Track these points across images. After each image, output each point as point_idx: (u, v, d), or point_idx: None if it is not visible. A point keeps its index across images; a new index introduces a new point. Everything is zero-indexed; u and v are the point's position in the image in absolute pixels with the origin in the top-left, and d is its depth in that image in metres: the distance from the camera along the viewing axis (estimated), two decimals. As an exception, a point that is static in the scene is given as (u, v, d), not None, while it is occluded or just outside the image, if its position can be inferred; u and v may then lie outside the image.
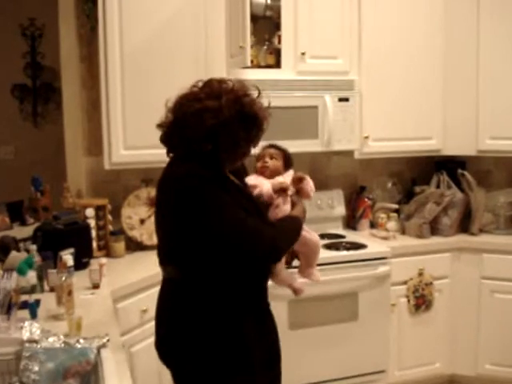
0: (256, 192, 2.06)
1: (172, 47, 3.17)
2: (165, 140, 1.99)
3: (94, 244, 3.16)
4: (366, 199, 3.84)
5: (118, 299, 2.67)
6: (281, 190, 2.09)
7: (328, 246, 3.37)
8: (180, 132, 1.91)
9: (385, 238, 3.54)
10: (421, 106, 3.66)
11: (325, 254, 3.25)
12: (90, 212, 3.15)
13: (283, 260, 2.12)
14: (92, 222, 3.16)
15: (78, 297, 2.54)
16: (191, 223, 1.83)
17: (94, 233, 3.16)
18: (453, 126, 3.70)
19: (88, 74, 3.32)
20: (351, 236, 3.63)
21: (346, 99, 3.45)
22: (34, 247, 2.76)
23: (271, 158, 2.17)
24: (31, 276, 2.33)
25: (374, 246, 3.40)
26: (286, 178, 2.16)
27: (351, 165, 3.90)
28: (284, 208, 2.09)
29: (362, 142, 3.55)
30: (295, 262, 2.26)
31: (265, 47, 3.43)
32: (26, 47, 4.80)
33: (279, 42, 3.38)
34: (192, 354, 1.94)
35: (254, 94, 2.00)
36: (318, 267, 3.09)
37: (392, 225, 3.72)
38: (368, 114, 3.55)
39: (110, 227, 3.26)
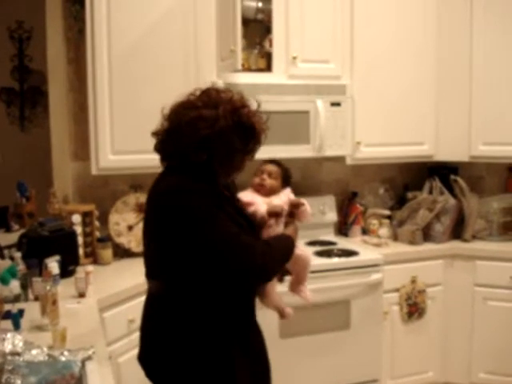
0: (250, 210, 2.00)
1: (161, 50, 3.11)
2: (159, 148, 1.92)
3: (81, 251, 3.09)
4: (358, 205, 3.79)
5: (105, 308, 2.61)
6: (277, 214, 2.03)
7: (319, 253, 3.31)
8: (174, 140, 1.84)
9: (377, 245, 3.49)
10: (413, 112, 3.63)
11: (316, 261, 3.19)
12: (76, 218, 3.08)
13: (274, 280, 2.06)
14: (79, 229, 3.08)
15: (64, 306, 2.47)
16: (181, 238, 1.76)
17: (80, 239, 3.09)
18: (445, 132, 3.66)
19: (75, 76, 3.26)
20: (343, 243, 3.58)
21: (338, 104, 3.40)
22: (18, 254, 2.69)
23: (270, 175, 2.11)
24: (14, 285, 2.25)
25: (366, 252, 3.35)
26: (283, 197, 2.10)
27: (343, 170, 3.85)
28: (277, 229, 2.04)
29: (353, 148, 3.50)
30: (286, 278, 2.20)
31: (256, 51, 3.38)
32: (13, 50, 4.73)
33: (270, 46, 3.33)
34: (177, 372, 1.87)
35: (253, 106, 1.93)
36: (310, 274, 3.11)
37: (384, 231, 3.68)
38: (360, 119, 3.50)
39: (98, 234, 3.20)
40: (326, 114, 3.35)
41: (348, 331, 3.21)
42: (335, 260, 3.25)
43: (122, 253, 3.25)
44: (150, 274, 1.93)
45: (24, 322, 2.23)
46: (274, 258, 1.87)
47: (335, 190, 3.86)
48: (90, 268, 2.81)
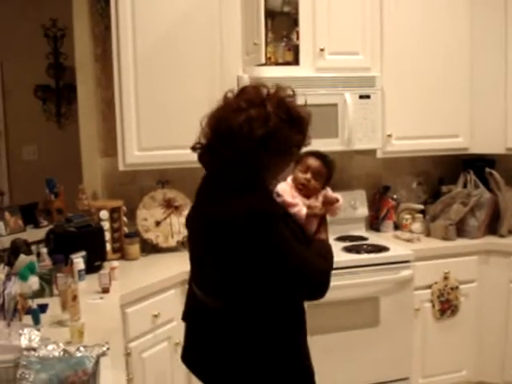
0: (292, 211, 1.95)
1: (186, 45, 3.10)
2: (206, 160, 1.88)
3: (109, 246, 3.12)
4: (390, 200, 3.70)
5: (128, 304, 2.62)
6: (315, 216, 2.00)
7: (348, 249, 3.25)
8: (228, 147, 1.78)
9: (408, 241, 3.40)
10: (446, 103, 3.51)
11: (345, 258, 3.15)
12: (104, 214, 3.11)
13: None
14: (106, 225, 3.11)
15: (87, 301, 2.51)
16: (258, 262, 1.75)
17: (108, 235, 3.12)
18: (481, 124, 3.53)
19: (103, 73, 3.28)
20: (374, 238, 3.50)
21: (368, 96, 3.32)
22: (44, 250, 2.73)
23: (315, 176, 2.02)
24: (33, 281, 2.28)
25: (397, 248, 3.27)
26: (320, 198, 2.04)
27: (374, 164, 3.77)
28: (311, 229, 2.00)
29: (384, 141, 3.42)
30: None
31: (283, 44, 3.33)
32: (48, 48, 4.80)
33: (298, 39, 3.28)
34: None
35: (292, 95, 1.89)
36: (337, 271, 3.06)
37: (417, 226, 3.59)
38: (391, 112, 3.41)
39: (125, 229, 3.22)
40: (354, 106, 3.28)
41: (377, 328, 3.14)
42: (364, 256, 3.18)
43: (149, 248, 3.27)
44: (207, 290, 1.90)
45: (46, 317, 2.27)
46: (330, 270, 1.90)
47: (366, 184, 3.78)
48: (116, 264, 2.83)
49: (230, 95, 1.86)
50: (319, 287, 1.81)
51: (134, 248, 3.16)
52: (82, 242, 2.86)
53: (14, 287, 2.24)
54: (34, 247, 2.86)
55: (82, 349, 1.92)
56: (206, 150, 1.86)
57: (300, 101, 1.88)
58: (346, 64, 3.31)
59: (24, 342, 1.92)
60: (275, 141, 1.75)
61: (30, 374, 1.75)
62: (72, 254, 2.76)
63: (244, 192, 1.76)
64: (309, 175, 2.01)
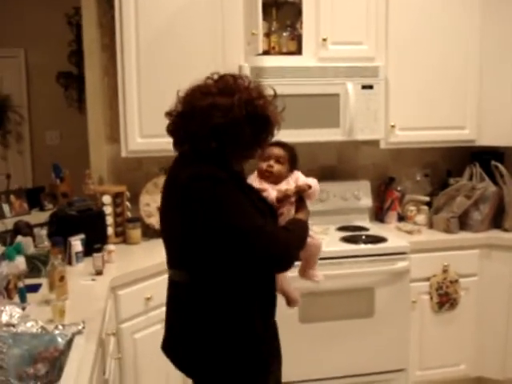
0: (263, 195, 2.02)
1: (189, 34, 3.14)
2: (171, 131, 1.91)
3: (111, 230, 3.21)
4: (395, 191, 3.68)
5: (121, 286, 2.70)
6: (286, 199, 2.03)
7: (346, 239, 3.26)
8: (186, 125, 1.83)
9: (409, 232, 3.39)
10: (453, 93, 3.47)
11: (342, 247, 3.17)
12: (106, 199, 3.20)
13: None
14: (109, 209, 3.20)
15: (79, 282, 2.61)
16: (210, 227, 1.75)
17: (110, 219, 3.21)
18: (488, 115, 3.47)
19: (110, 62, 3.35)
20: (375, 229, 3.50)
21: (370, 86, 3.31)
22: (44, 232, 2.84)
23: (276, 160, 2.08)
24: (20, 261, 2.38)
25: (395, 240, 3.26)
26: (291, 182, 2.08)
27: (380, 155, 3.75)
28: (289, 214, 2.05)
29: (387, 132, 3.40)
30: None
31: (287, 33, 3.35)
32: (71, 36, 4.92)
33: (302, 28, 3.29)
34: (207, 358, 1.89)
35: (270, 95, 1.89)
36: (333, 260, 3.09)
37: (421, 218, 3.57)
38: (395, 102, 3.39)
39: (128, 214, 3.31)
40: (356, 96, 3.27)
41: (372, 319, 3.15)
42: (361, 246, 3.18)
43: (151, 233, 3.34)
44: (173, 263, 1.95)
45: (36, 296, 2.37)
46: (295, 244, 1.91)
47: (372, 175, 3.77)
48: (112, 247, 2.92)
49: (215, 77, 1.88)
50: (275, 257, 1.77)
51: (136, 232, 3.24)
52: (82, 226, 2.95)
53: (8, 267, 2.36)
54: (37, 229, 2.98)
55: (60, 327, 2.01)
56: (173, 121, 1.90)
57: (279, 106, 1.89)
58: (349, 54, 3.30)
59: (4, 318, 2.03)
60: (230, 134, 1.77)
61: (3, 348, 1.84)
62: (71, 237, 2.87)
63: (197, 162, 1.80)
64: (271, 161, 2.07)
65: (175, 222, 1.87)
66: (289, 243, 1.83)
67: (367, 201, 3.66)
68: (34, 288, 2.45)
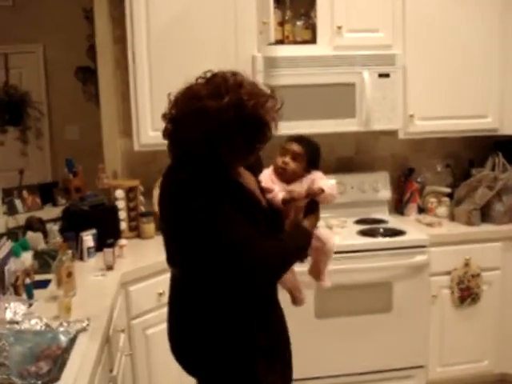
0: (268, 197, 1.91)
1: (200, 25, 3.08)
2: (165, 135, 1.84)
3: (125, 225, 3.18)
4: (415, 182, 3.58)
5: (132, 281, 2.67)
6: (293, 202, 1.90)
7: (364, 232, 3.18)
8: (177, 131, 1.77)
9: (429, 225, 3.29)
10: (474, 81, 3.35)
11: (358, 241, 3.10)
12: (119, 193, 3.17)
13: None
14: (122, 204, 3.18)
15: (89, 278, 2.58)
16: (190, 237, 1.71)
17: (124, 214, 3.18)
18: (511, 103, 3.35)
19: (122, 55, 3.31)
20: (394, 222, 3.41)
21: (387, 75, 3.21)
22: (55, 227, 2.83)
23: (293, 157, 1.96)
24: (26, 258, 2.36)
25: (414, 233, 3.17)
26: (304, 184, 1.95)
27: (400, 145, 3.64)
28: (295, 216, 1.93)
29: (406, 121, 3.30)
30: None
31: (301, 22, 3.27)
32: (89, 30, 4.90)
33: (316, 17, 3.21)
34: (198, 352, 1.86)
35: (265, 93, 1.77)
36: (350, 254, 3.01)
37: (442, 210, 3.47)
38: (413, 91, 3.29)
39: (142, 208, 3.27)
40: (372, 85, 3.18)
41: (389, 314, 3.08)
42: (378, 240, 3.11)
43: (165, 227, 3.30)
44: (168, 259, 1.91)
45: (45, 292, 2.35)
46: (285, 257, 1.80)
47: (391, 166, 3.67)
48: (124, 242, 2.90)
49: (208, 75, 1.82)
50: (254, 272, 1.68)
51: (149, 227, 3.21)
52: (94, 221, 2.94)
53: (14, 264, 2.34)
54: (51, 224, 2.97)
55: (64, 324, 1.99)
56: (167, 125, 1.82)
57: (276, 102, 1.77)
58: (365, 42, 3.21)
59: (8, 315, 2.01)
60: (222, 139, 1.69)
61: (5, 346, 1.82)
62: (82, 232, 2.85)
63: (186, 166, 1.74)
64: (287, 158, 1.96)
65: (164, 222, 1.84)
66: (275, 257, 1.73)
67: (386, 193, 3.57)
68: (44, 284, 2.44)
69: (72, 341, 1.89)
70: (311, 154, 1.99)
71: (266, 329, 1.88)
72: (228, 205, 1.70)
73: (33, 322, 1.98)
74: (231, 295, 1.80)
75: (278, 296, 2.00)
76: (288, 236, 1.87)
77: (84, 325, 1.97)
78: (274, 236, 1.79)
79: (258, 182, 1.96)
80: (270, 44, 2.98)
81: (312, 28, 3.25)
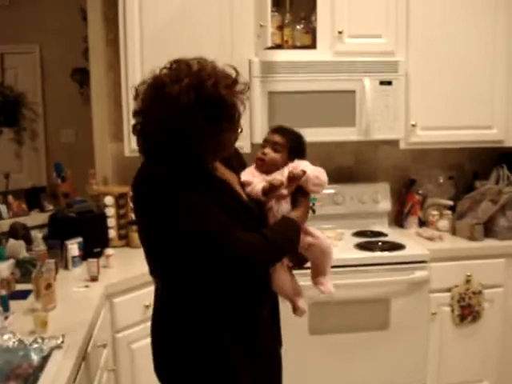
0: (247, 191, 1.79)
1: (194, 26, 2.97)
2: (134, 131, 1.77)
3: (114, 233, 3.07)
4: (416, 194, 3.46)
5: (117, 293, 2.56)
6: (274, 190, 1.76)
7: (361, 246, 3.06)
8: (142, 124, 1.69)
9: (430, 239, 3.17)
10: (479, 91, 3.23)
11: (355, 255, 2.98)
12: (108, 200, 3.06)
13: (281, 266, 1.83)
14: (111, 211, 3.07)
15: (71, 289, 2.47)
16: (158, 234, 1.61)
17: (113, 221, 3.07)
18: (519, 114, 3.24)
19: (115, 57, 3.21)
20: (393, 235, 3.28)
21: (389, 82, 3.10)
22: (39, 235, 2.71)
23: (273, 147, 1.84)
24: (1, 269, 2.24)
25: (414, 247, 3.05)
26: (286, 171, 1.80)
27: (402, 156, 3.52)
28: (280, 209, 1.78)
29: (408, 131, 3.18)
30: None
31: (301, 26, 3.16)
32: (86, 32, 4.81)
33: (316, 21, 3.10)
34: (177, 368, 1.76)
35: (229, 75, 1.67)
36: (346, 268, 2.89)
37: (444, 223, 3.35)
38: (416, 100, 3.18)
39: (132, 216, 3.16)
40: (374, 93, 3.07)
41: (387, 331, 2.95)
42: (376, 254, 2.98)
43: (156, 236, 3.19)
44: (151, 271, 1.81)
45: (24, 304, 2.23)
46: (268, 248, 1.64)
47: (392, 177, 3.55)
48: (111, 251, 2.78)
49: (173, 66, 1.70)
50: (231, 261, 1.56)
51: (139, 235, 3.09)
52: (81, 228, 2.83)
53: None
54: (36, 231, 2.86)
55: (39, 340, 1.88)
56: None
57: (241, 85, 1.68)
58: (367, 48, 3.09)
59: (-21, 330, 1.90)
60: (182, 125, 1.60)
61: (-27, 364, 1.72)
62: (67, 240, 2.74)
63: (154, 161, 1.66)
64: (266, 149, 1.84)
65: (139, 228, 1.76)
66: (253, 246, 1.60)
67: (386, 204, 3.45)
68: (23, 295, 2.33)
69: (45, 359, 1.78)
70: (292, 142, 1.86)
71: (248, 347, 1.75)
72: (201, 194, 1.59)
73: (5, 337, 1.87)
74: (212, 304, 1.68)
75: (263, 313, 1.84)
76: (272, 227, 1.72)
77: (58, 342, 1.85)
78: (255, 230, 1.66)
79: (239, 179, 1.83)
80: (267, 48, 2.87)
81: (312, 32, 3.13)
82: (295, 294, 1.88)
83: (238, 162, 1.90)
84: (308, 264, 1.91)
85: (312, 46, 3.13)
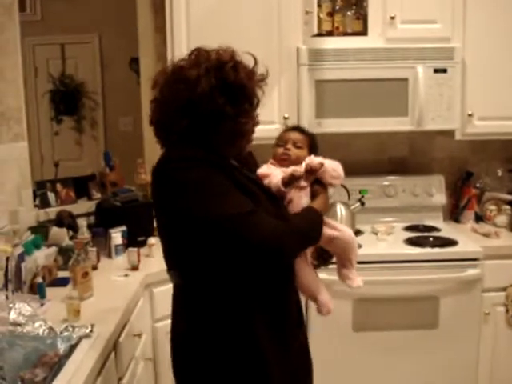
0: (265, 182, 1.76)
1: (242, 15, 2.92)
2: (150, 121, 1.77)
3: (160, 222, 3.08)
4: (473, 187, 3.29)
5: (157, 283, 2.55)
6: (294, 181, 1.74)
7: (411, 241, 2.94)
8: (159, 110, 1.67)
9: (486, 235, 3.01)
10: (543, 78, 3.02)
11: (405, 250, 2.86)
12: (155, 189, 3.06)
13: (308, 259, 1.80)
14: (158, 200, 3.07)
15: (111, 278, 2.49)
16: (183, 219, 1.55)
17: (159, 210, 3.07)
18: None
19: (163, 44, 3.21)
20: (447, 230, 3.14)
21: (444, 70, 2.94)
22: (84, 223, 2.74)
23: (295, 145, 1.84)
24: (38, 256, 2.27)
25: (467, 244, 2.90)
26: (302, 164, 1.79)
27: (458, 147, 3.35)
28: (301, 202, 1.75)
29: (464, 121, 3.02)
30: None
31: (352, 12, 3.04)
32: (144, 21, 4.85)
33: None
34: (199, 364, 1.70)
35: (249, 62, 1.66)
36: (393, 264, 2.79)
37: (502, 219, 3.18)
38: (473, 88, 3.00)
39: (178, 205, 3.16)
40: (427, 81, 2.92)
41: (435, 331, 2.82)
42: (427, 250, 2.86)
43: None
44: (167, 265, 1.78)
45: (63, 291, 2.25)
46: (293, 236, 1.59)
47: (448, 169, 3.39)
48: (153, 241, 2.78)
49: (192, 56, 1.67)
50: (259, 247, 1.50)
51: (185, 225, 3.09)
52: (125, 217, 2.85)
53: (28, 261, 2.25)
54: (82, 219, 2.89)
55: (69, 328, 1.89)
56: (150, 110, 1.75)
57: (260, 71, 1.67)
58: (421, 34, 2.94)
59: (12, 317, 1.93)
60: (202, 108, 1.57)
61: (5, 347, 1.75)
62: (112, 229, 2.76)
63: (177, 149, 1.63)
64: (288, 145, 1.84)
65: (159, 218, 1.71)
66: (280, 232, 1.54)
67: (441, 198, 3.29)
68: (64, 282, 2.36)
69: (73, 347, 1.79)
70: (311, 140, 1.88)
71: (278, 343, 1.68)
72: (223, 176, 1.56)
73: (36, 324, 1.89)
74: (238, 297, 1.63)
75: (291, 306, 1.78)
76: (295, 215, 1.69)
77: (87, 331, 1.86)
78: (279, 217, 1.62)
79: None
80: (315, 35, 2.77)
81: (363, 18, 3.02)
82: (317, 287, 1.83)
83: (252, 163, 1.86)
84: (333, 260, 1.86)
85: (363, 32, 3.01)
